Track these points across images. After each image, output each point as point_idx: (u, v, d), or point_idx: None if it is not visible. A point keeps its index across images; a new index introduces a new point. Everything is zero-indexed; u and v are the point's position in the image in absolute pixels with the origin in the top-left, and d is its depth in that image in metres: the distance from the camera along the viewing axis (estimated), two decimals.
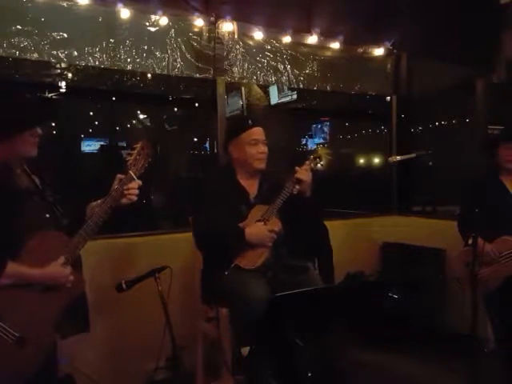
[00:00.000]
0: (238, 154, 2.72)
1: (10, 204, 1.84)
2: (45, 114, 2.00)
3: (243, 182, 2.75)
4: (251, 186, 2.76)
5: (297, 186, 2.61)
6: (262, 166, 2.74)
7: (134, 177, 2.03)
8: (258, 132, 2.73)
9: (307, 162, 2.71)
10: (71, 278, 1.89)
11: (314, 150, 5.70)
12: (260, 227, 2.59)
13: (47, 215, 1.95)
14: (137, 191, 2.03)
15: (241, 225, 2.61)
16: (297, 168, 2.66)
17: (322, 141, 5.68)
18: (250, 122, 2.79)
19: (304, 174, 2.63)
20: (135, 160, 2.05)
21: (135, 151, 2.06)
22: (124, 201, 2.02)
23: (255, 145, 2.69)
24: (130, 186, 2.01)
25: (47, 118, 2.03)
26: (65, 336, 2.05)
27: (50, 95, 3.35)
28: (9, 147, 1.86)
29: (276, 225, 2.63)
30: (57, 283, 1.87)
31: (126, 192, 2.00)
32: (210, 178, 3.08)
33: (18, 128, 1.86)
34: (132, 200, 2.03)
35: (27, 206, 1.90)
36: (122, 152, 4.72)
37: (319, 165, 2.74)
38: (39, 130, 1.92)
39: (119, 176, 2.03)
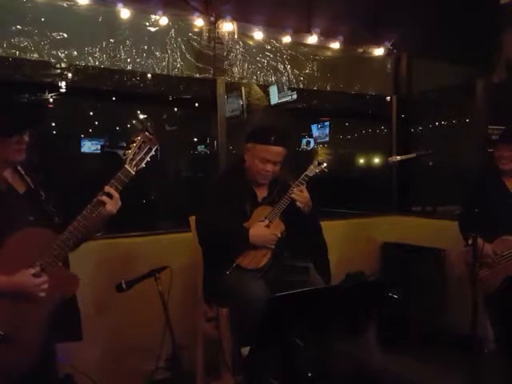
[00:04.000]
0: (248, 160, 2.71)
1: None
2: (29, 122, 1.93)
3: (254, 183, 2.76)
4: (261, 188, 2.77)
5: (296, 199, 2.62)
6: (263, 181, 2.73)
7: (131, 171, 1.94)
8: (274, 153, 2.62)
9: (311, 167, 2.74)
10: (44, 286, 1.80)
11: (316, 151, 5.71)
12: (264, 229, 2.60)
13: (36, 215, 1.91)
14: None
15: (245, 224, 2.62)
16: (298, 184, 2.66)
17: (321, 141, 5.67)
18: (272, 138, 2.60)
19: (300, 195, 2.63)
20: (134, 154, 1.96)
21: (134, 144, 1.97)
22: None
23: (264, 163, 2.64)
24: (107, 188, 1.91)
25: (32, 125, 1.94)
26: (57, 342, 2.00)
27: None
28: None
29: (279, 227, 2.65)
30: (26, 293, 1.78)
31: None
32: (219, 176, 3.07)
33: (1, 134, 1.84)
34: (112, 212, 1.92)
35: (8, 207, 1.87)
36: (122, 152, 4.72)
37: (324, 170, 2.76)
38: (26, 138, 1.89)
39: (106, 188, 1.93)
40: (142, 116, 5.00)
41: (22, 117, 1.91)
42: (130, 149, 1.97)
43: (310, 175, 2.73)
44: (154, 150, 2.00)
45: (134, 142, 1.98)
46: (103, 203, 1.90)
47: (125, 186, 1.96)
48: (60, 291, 1.88)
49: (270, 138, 2.62)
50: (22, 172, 1.98)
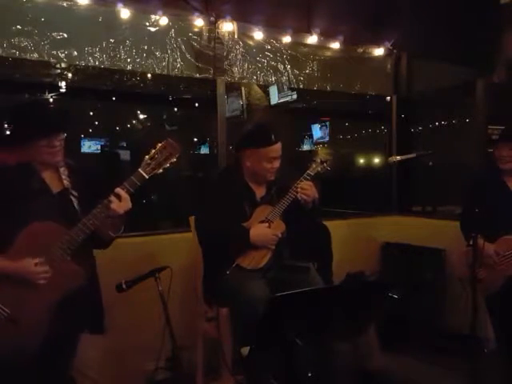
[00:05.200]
0: (252, 164, 2.69)
1: (15, 200, 1.96)
2: (55, 126, 2.03)
3: (251, 183, 2.76)
4: (259, 187, 2.77)
5: (301, 195, 2.61)
6: (272, 178, 2.73)
7: (145, 175, 2.02)
8: (277, 149, 2.66)
9: (314, 166, 2.72)
10: (44, 275, 1.92)
11: (316, 151, 5.71)
12: (264, 229, 2.60)
13: (64, 214, 2.02)
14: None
15: (245, 224, 2.61)
16: (302, 180, 2.66)
17: (321, 141, 5.67)
18: (273, 137, 2.63)
19: (308, 188, 2.62)
20: (151, 158, 2.04)
21: (154, 150, 2.05)
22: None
23: (272, 161, 2.66)
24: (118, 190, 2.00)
25: (58, 129, 2.04)
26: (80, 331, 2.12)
27: (51, 95, 3.36)
28: (27, 153, 2.00)
29: (280, 227, 2.64)
30: (26, 278, 1.91)
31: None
32: (216, 176, 3.08)
33: (28, 138, 1.97)
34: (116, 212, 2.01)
35: (37, 205, 1.99)
36: (121, 152, 4.73)
37: (326, 168, 2.74)
38: (55, 141, 2.00)
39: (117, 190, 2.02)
40: (142, 116, 5.00)
41: (47, 121, 2.01)
42: (149, 153, 2.04)
43: (313, 174, 2.70)
44: (175, 156, 2.06)
45: (156, 147, 2.05)
46: (110, 203, 1.99)
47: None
48: (65, 283, 1.97)
49: (270, 138, 2.63)
50: (64, 173, 2.11)
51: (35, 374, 1.92)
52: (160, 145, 2.05)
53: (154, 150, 2.05)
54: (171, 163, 2.06)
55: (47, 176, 2.09)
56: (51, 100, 3.46)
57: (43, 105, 2.16)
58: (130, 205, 2.03)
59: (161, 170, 2.06)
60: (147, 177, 2.03)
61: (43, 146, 1.99)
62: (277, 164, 2.69)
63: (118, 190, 2.01)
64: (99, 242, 2.15)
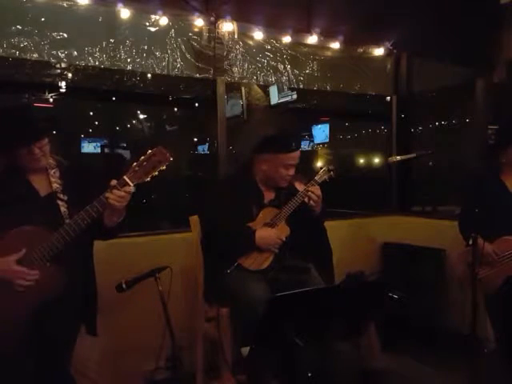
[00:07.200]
0: (268, 169, 2.68)
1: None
2: (32, 136, 2.00)
3: (261, 185, 2.76)
4: (268, 191, 2.77)
5: (308, 200, 2.62)
6: (285, 185, 2.74)
7: (130, 182, 1.95)
8: (296, 156, 2.66)
9: (321, 174, 2.73)
10: (23, 276, 1.90)
11: (316, 151, 5.72)
12: (270, 232, 2.60)
13: (50, 217, 2.00)
14: (121, 198, 1.95)
15: (250, 224, 2.62)
16: (310, 185, 2.67)
17: (321, 141, 5.68)
18: (293, 145, 2.64)
19: (316, 193, 2.63)
20: (139, 166, 1.97)
21: (143, 157, 1.98)
22: (111, 206, 1.96)
23: (288, 168, 2.66)
24: (116, 192, 1.94)
25: (36, 138, 2.01)
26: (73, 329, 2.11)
27: (51, 95, 3.36)
28: (11, 158, 2.02)
29: (285, 231, 2.65)
30: (7, 279, 1.89)
31: (109, 196, 1.94)
32: (227, 176, 3.06)
33: (6, 147, 1.99)
34: (115, 206, 1.96)
35: (22, 208, 1.98)
36: (122, 152, 4.74)
37: (332, 176, 2.76)
38: (36, 149, 1.99)
39: (112, 182, 1.97)
40: (141, 116, 5.00)
41: (23, 131, 1.98)
42: (137, 160, 1.98)
43: (319, 181, 2.71)
44: (164, 165, 1.98)
45: (145, 154, 1.98)
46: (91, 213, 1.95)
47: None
48: (43, 289, 1.94)
49: (291, 145, 2.64)
50: (55, 175, 2.10)
51: (22, 372, 1.90)
52: (149, 152, 1.98)
53: (142, 157, 1.97)
54: (160, 171, 1.99)
55: (36, 179, 2.08)
56: (34, 104, 3.44)
57: (20, 113, 2.08)
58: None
59: (148, 179, 1.98)
60: (132, 185, 1.96)
61: (24, 153, 1.98)
62: (292, 171, 2.69)
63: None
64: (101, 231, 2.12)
